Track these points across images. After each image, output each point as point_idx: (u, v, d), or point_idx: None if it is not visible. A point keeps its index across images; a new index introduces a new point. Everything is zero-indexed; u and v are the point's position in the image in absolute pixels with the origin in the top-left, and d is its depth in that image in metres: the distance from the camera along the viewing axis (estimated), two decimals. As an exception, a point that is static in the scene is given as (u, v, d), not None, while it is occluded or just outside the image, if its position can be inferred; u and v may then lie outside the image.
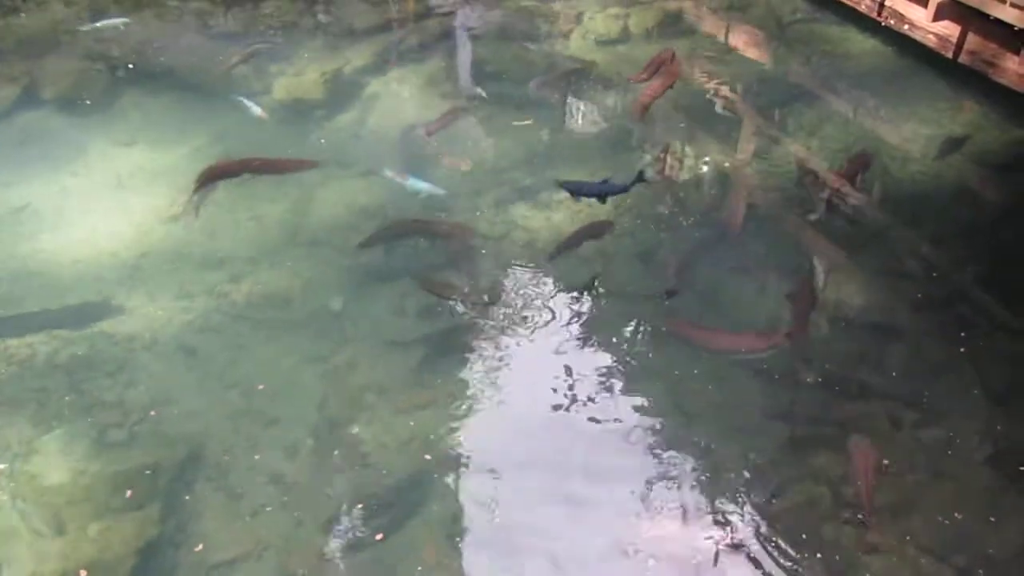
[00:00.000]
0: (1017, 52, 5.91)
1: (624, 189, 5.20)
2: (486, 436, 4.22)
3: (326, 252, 5.22)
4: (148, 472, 3.98)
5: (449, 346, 4.67)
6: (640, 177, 5.21)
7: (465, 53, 7.72)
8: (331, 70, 7.03)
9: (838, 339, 4.79)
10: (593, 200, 5.28)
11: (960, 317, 4.93)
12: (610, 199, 5.31)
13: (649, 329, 4.84)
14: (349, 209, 5.57)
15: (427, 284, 4.99)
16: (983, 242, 5.52)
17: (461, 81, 7.21)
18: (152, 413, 4.26)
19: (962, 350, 4.69)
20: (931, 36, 7.00)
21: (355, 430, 4.22)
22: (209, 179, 5.55)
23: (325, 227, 5.40)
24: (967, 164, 6.22)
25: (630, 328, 4.84)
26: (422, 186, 5.70)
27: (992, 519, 3.89)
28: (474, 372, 4.53)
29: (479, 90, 6.98)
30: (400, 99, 6.85)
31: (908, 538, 3.80)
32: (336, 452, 4.12)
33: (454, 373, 4.53)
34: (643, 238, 5.42)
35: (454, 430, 4.23)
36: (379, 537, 3.78)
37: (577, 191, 5.30)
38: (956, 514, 3.90)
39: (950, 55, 6.86)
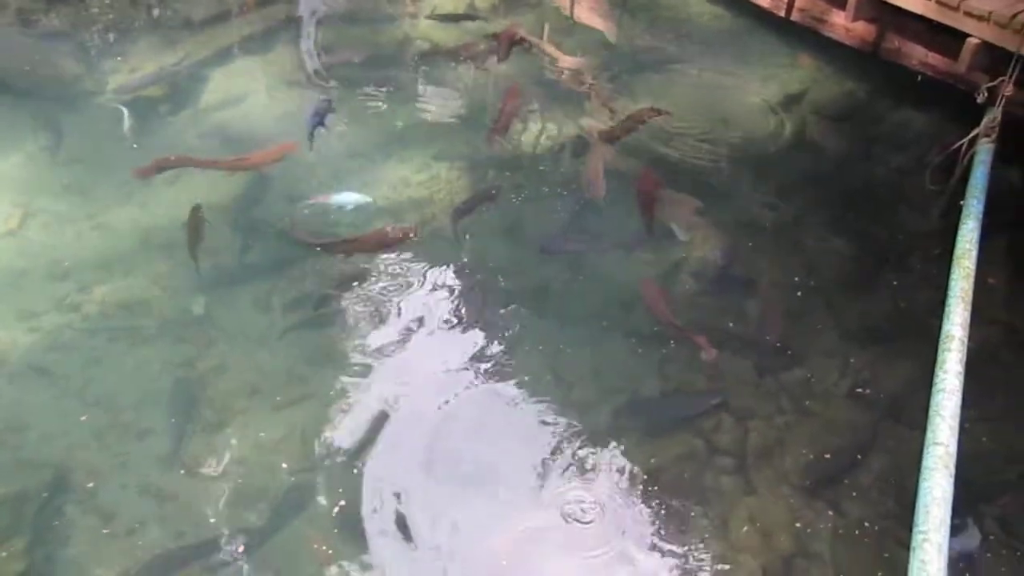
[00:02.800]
0: (843, 7, 6.22)
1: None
2: (366, 424, 4.16)
3: (183, 254, 5.01)
4: (9, 503, 3.75)
5: (319, 337, 4.58)
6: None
7: (311, 39, 7.52)
8: (170, 65, 6.73)
9: (700, 293, 4.95)
10: (460, 176, 5.32)
11: (811, 262, 5.17)
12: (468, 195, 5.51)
13: (523, 303, 4.87)
14: (203, 206, 5.36)
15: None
16: (827, 189, 5.79)
17: (308, 67, 7.02)
18: (8, 440, 4.02)
19: (815, 293, 4.93)
20: (765, -3, 7.30)
21: (230, 433, 4.09)
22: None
23: (180, 227, 5.19)
24: (807, 116, 6.51)
25: (502, 304, 4.85)
26: (349, 199, 5.52)
27: (857, 451, 4.12)
28: (347, 361, 4.46)
29: (329, 77, 6.83)
30: (247, 90, 6.62)
31: (781, 478, 3.99)
32: (212, 458, 3.99)
33: (327, 364, 4.44)
34: (507, 213, 5.45)
35: (332, 421, 4.16)
36: (264, 538, 3.69)
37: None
38: (823, 450, 4.12)
39: (783, 13, 7.16)
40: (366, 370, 4.42)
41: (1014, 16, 5.15)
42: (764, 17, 7.42)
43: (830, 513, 3.87)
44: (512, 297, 4.87)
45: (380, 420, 4.18)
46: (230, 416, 4.17)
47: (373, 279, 4.91)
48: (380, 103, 6.44)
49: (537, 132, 6.28)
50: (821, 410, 4.32)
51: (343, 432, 4.12)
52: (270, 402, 4.23)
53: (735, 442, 4.16)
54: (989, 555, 3.77)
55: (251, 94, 6.54)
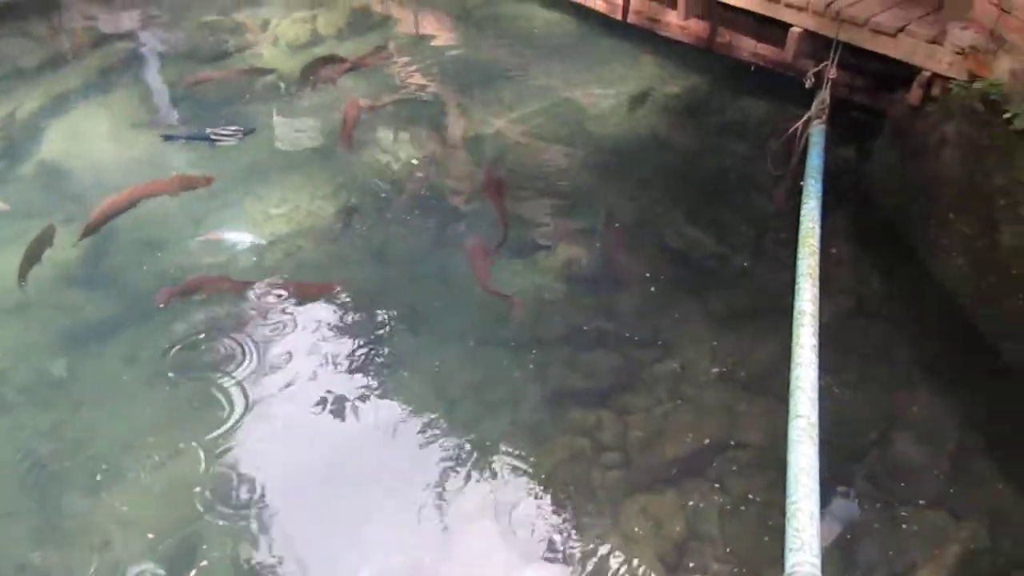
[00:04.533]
0: (674, 7, 6.49)
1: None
2: (252, 463, 4.08)
3: (37, 312, 4.79)
4: None
5: (192, 380, 4.46)
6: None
7: (153, 77, 7.32)
8: (2, 115, 6.43)
9: (569, 294, 5.07)
10: (321, 202, 5.29)
11: (676, 253, 5.37)
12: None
13: (397, 324, 4.87)
14: (52, 262, 5.14)
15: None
16: (680, 182, 6.02)
17: (153, 107, 6.83)
18: None
19: (682, 283, 5.13)
20: (600, 2, 7.53)
21: (109, 497, 3.94)
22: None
23: (32, 286, 4.95)
24: (655, 114, 6.76)
25: (376, 328, 4.85)
26: (240, 236, 5.38)
27: (730, 429, 4.31)
28: (223, 400, 4.36)
29: (175, 114, 6.67)
30: (90, 137, 6.39)
31: (666, 466, 4.14)
32: (93, 526, 3.83)
33: (202, 406, 4.33)
34: (375, 237, 5.44)
35: (216, 465, 4.06)
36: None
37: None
38: (703, 434, 4.29)
39: (620, 17, 7.41)
40: (245, 411, 4.33)
41: (829, 4, 5.49)
42: (603, 22, 7.66)
43: (715, 493, 4.03)
44: (386, 320, 4.87)
45: (265, 459, 4.11)
46: (107, 479, 4.01)
47: (244, 319, 4.82)
48: (232, 139, 6.32)
49: (392, 148, 6.30)
50: (696, 395, 4.49)
51: (227, 479, 4.02)
52: (147, 458, 4.10)
53: (618, 437, 4.28)
54: (862, 511, 4.01)
55: (94, 140, 6.31)
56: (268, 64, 7.35)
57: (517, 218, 5.63)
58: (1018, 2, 4.53)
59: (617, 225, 5.59)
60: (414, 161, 6.18)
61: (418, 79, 7.18)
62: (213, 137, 6.18)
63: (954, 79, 4.99)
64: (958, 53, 4.95)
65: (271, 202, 5.69)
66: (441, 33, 7.98)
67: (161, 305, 4.86)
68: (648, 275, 5.18)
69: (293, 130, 6.51)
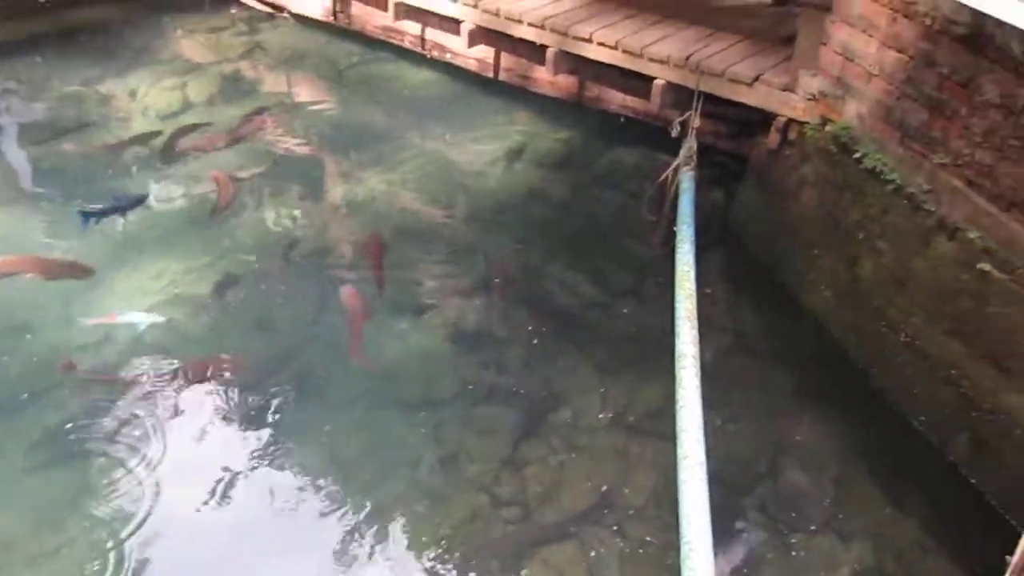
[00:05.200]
0: (543, 63, 6.70)
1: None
2: (141, 552, 3.90)
3: None
4: None
5: (72, 470, 4.25)
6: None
7: (13, 154, 7.04)
8: None
9: (461, 352, 5.09)
10: (199, 273, 5.19)
11: (559, 303, 5.48)
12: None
13: (285, 395, 4.78)
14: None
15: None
16: (560, 234, 6.16)
17: (13, 186, 6.56)
18: None
19: (568, 332, 5.23)
20: (471, 61, 7.70)
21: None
22: None
23: None
24: (531, 168, 6.91)
25: (267, 399, 4.74)
26: (137, 318, 5.14)
27: (625, 473, 4.38)
28: (108, 493, 4.16)
29: (39, 191, 6.42)
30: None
31: (566, 516, 4.17)
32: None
33: (81, 497, 4.12)
34: (256, 306, 5.35)
35: (101, 563, 3.86)
36: None
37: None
38: (599, 480, 4.35)
39: (492, 75, 7.60)
40: (130, 498, 4.14)
41: (688, 57, 5.77)
42: (476, 80, 7.82)
43: (615, 539, 4.08)
44: (274, 391, 4.77)
45: (153, 547, 3.94)
46: (-21, 583, 3.78)
47: (123, 400, 4.64)
48: (101, 215, 6.13)
49: (270, 214, 6.23)
50: (589, 443, 4.55)
51: (117, 569, 3.84)
52: (24, 556, 3.87)
53: (516, 491, 4.29)
54: (756, 543, 4.13)
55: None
56: (136, 135, 7.17)
57: (402, 278, 5.64)
58: (860, 51, 4.87)
59: (501, 279, 5.66)
60: (293, 226, 6.12)
61: (293, 143, 7.14)
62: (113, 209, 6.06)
63: (808, 123, 5.30)
64: (809, 99, 5.28)
65: (147, 277, 5.52)
66: (315, 97, 7.99)
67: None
68: (534, 327, 5.26)
69: (166, 202, 6.35)
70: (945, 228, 4.32)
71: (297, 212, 6.26)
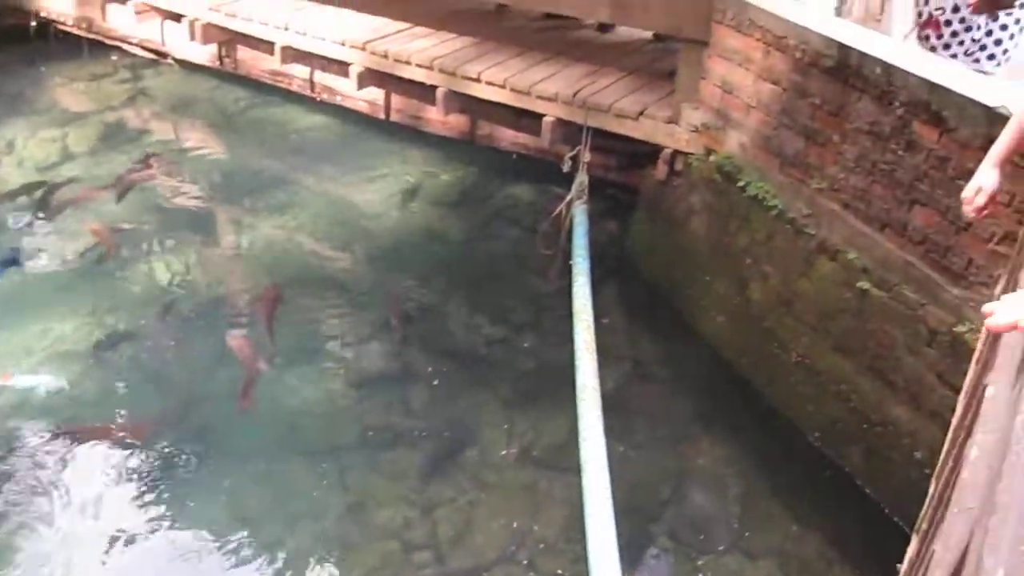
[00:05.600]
0: (434, 103, 6.74)
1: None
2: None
3: None
4: None
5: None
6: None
7: None
8: None
9: (364, 397, 5.02)
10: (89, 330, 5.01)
11: (461, 340, 5.47)
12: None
13: (186, 449, 4.62)
14: None
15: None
16: (460, 272, 6.16)
17: None
18: None
19: (471, 369, 5.22)
20: (362, 103, 7.69)
21: None
22: None
23: None
24: (427, 208, 6.92)
25: (167, 457, 4.57)
26: (35, 381, 4.86)
27: (534, 509, 4.38)
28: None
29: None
30: None
31: (478, 556, 4.14)
32: None
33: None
34: (150, 362, 5.18)
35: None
36: None
37: None
38: (509, 517, 4.33)
39: (383, 116, 7.60)
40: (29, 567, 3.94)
41: (576, 94, 5.90)
42: (367, 122, 7.81)
43: (528, 574, 4.07)
44: (172, 449, 4.61)
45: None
46: None
47: (8, 466, 4.41)
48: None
49: (160, 265, 6.06)
50: (497, 481, 4.54)
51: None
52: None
53: (427, 534, 4.24)
54: (667, 569, 4.18)
55: None
56: (13, 188, 6.88)
57: (301, 324, 5.55)
58: (737, 84, 5.06)
59: (401, 320, 5.63)
60: (183, 277, 5.96)
61: (182, 192, 6.97)
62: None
63: (693, 154, 5.47)
64: (693, 131, 5.45)
65: (31, 336, 5.28)
66: (203, 143, 7.83)
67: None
68: (437, 366, 5.23)
69: (46, 257, 6.11)
70: (826, 250, 4.51)
71: (187, 262, 6.11)
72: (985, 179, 1.89)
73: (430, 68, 6.52)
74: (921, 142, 3.94)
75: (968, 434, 1.07)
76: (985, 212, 1.93)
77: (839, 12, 5.14)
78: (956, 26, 4.51)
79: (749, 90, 4.95)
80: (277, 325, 5.48)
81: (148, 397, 4.94)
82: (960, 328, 3.83)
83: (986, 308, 1.12)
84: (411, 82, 6.81)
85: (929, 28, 4.62)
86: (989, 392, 0.97)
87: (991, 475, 1.02)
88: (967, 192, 1.93)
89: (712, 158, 5.29)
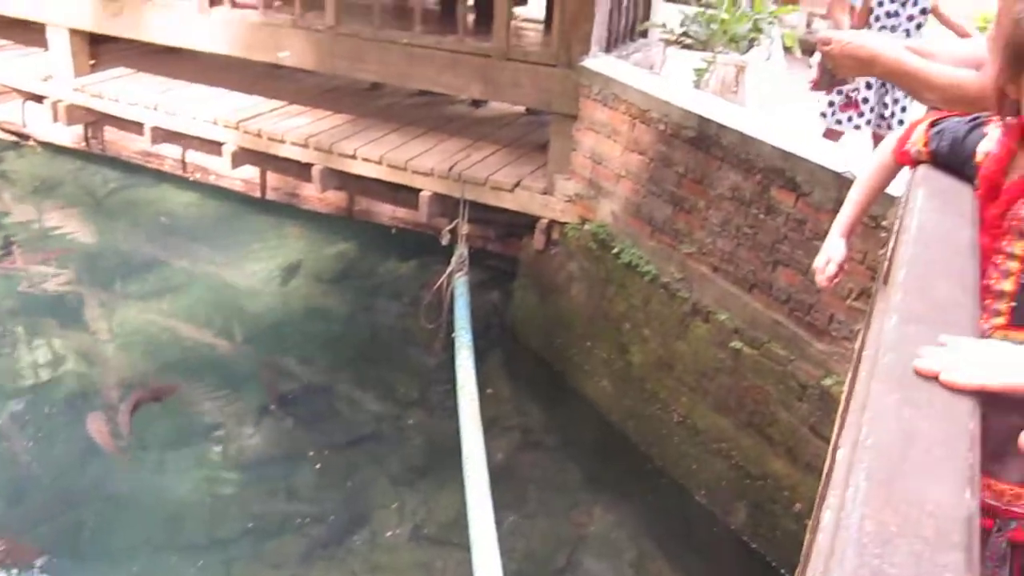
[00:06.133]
0: (310, 180, 6.71)
1: None
2: None
3: None
4: None
5: None
6: None
7: None
8: None
9: (248, 483, 4.85)
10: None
11: (347, 419, 5.38)
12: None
13: (56, 551, 4.34)
14: None
15: None
16: (344, 350, 6.09)
17: None
18: None
19: (358, 449, 5.12)
20: (237, 182, 7.59)
21: None
22: None
23: None
24: (308, 285, 6.83)
25: (38, 561, 4.29)
26: None
27: (429, 589, 4.31)
28: None
29: None
30: None
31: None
32: None
33: None
34: (18, 459, 4.88)
35: None
36: None
37: None
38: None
39: (259, 195, 7.52)
40: None
41: (451, 168, 5.98)
42: (243, 200, 7.70)
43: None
44: (45, 550, 4.33)
45: None
46: None
47: None
48: None
49: (27, 357, 5.77)
50: (390, 561, 4.44)
51: None
52: None
53: (318, 625, 4.11)
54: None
55: None
56: None
57: (180, 411, 5.35)
58: (606, 155, 5.24)
59: (285, 401, 5.50)
60: (54, 369, 5.68)
61: (49, 279, 6.68)
62: None
63: (568, 223, 5.61)
64: (567, 201, 5.59)
65: None
66: (71, 227, 7.55)
67: None
68: (323, 447, 5.12)
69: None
70: (699, 312, 4.67)
71: (54, 354, 5.83)
72: (833, 250, 2.01)
73: (305, 146, 6.51)
74: (779, 206, 4.16)
75: (823, 498, 1.12)
76: (836, 280, 2.04)
77: (697, 85, 5.41)
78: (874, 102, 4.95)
79: (618, 161, 5.14)
80: (154, 414, 5.27)
81: (13, 499, 4.64)
82: (827, 381, 4.02)
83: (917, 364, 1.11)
84: (287, 160, 6.78)
85: (850, 109, 4.99)
86: (839, 455, 1.02)
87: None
88: (817, 263, 2.04)
89: (587, 227, 5.44)
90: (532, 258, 5.98)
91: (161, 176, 8.12)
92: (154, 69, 7.79)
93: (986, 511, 1.45)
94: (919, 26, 5.08)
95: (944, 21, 5.15)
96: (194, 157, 7.77)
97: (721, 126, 4.39)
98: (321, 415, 5.41)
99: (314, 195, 7.16)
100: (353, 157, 6.31)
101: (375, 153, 6.22)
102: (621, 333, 5.21)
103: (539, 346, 5.93)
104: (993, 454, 1.51)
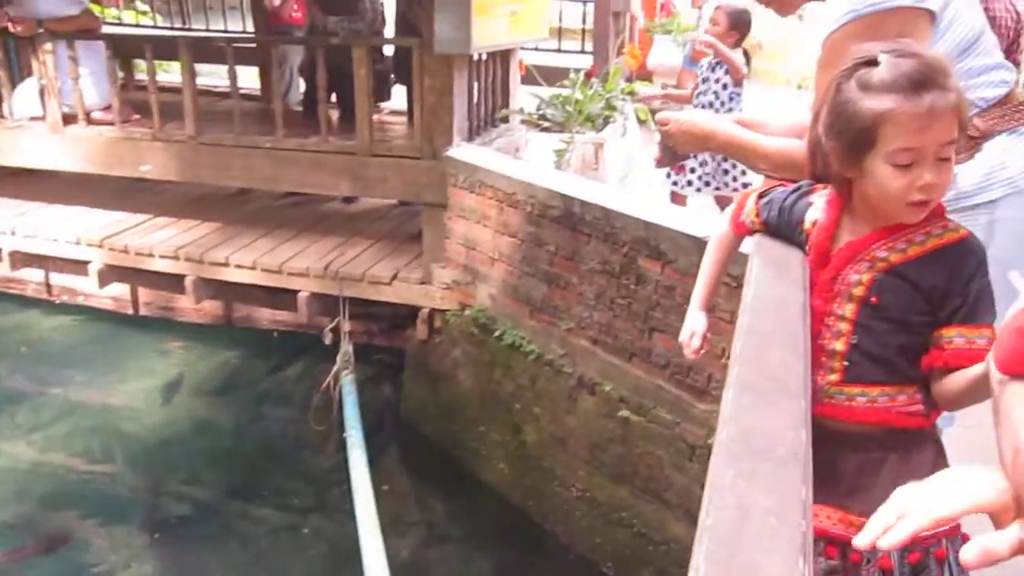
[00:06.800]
0: (183, 292, 6.54)
1: None
2: None
3: None
4: None
5: None
6: None
7: None
8: None
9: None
10: None
11: (246, 534, 5.18)
12: None
13: None
14: None
15: None
16: (235, 463, 5.88)
17: None
18: None
19: (259, 563, 4.93)
20: (107, 300, 7.34)
21: None
22: None
23: None
24: (192, 399, 6.61)
25: None
26: None
27: None
28: None
29: None
30: None
31: None
32: None
33: None
34: None
35: None
36: None
37: None
38: None
39: (131, 312, 7.29)
40: None
41: (327, 267, 5.95)
42: (116, 319, 7.44)
43: None
44: None
45: None
46: None
47: None
48: None
49: None
50: None
51: None
52: None
53: None
54: None
55: None
56: None
57: (61, 552, 5.05)
58: (479, 240, 5.33)
59: (176, 524, 5.27)
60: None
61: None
62: None
63: (449, 311, 5.64)
64: (445, 288, 5.63)
65: None
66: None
67: None
68: (217, 570, 4.91)
69: None
70: (585, 385, 4.73)
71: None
72: (695, 324, 2.10)
73: (176, 258, 6.37)
74: (648, 275, 4.30)
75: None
76: (703, 351, 2.13)
77: (559, 165, 5.59)
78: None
79: (490, 244, 5.22)
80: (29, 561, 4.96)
81: None
82: (712, 440, 4.10)
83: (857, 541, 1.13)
84: (157, 274, 6.61)
85: (680, 172, 5.39)
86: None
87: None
88: (683, 338, 2.12)
89: (467, 312, 5.48)
90: (417, 348, 5.97)
91: (25, 301, 7.78)
92: (8, 192, 7.53)
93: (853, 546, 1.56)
94: (726, 88, 5.54)
95: (719, 53, 5.58)
96: (59, 279, 7.49)
97: (584, 203, 4.53)
98: (214, 536, 5.20)
99: (189, 307, 6.98)
100: (226, 265, 6.21)
101: (248, 259, 6.14)
102: (512, 414, 5.22)
103: (434, 435, 5.88)
104: (848, 491, 1.62)
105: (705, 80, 5.64)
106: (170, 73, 9.68)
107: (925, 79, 1.43)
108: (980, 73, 2.05)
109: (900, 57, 1.46)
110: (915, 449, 1.63)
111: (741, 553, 0.92)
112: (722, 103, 5.56)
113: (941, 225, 1.56)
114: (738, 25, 5.59)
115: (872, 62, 1.48)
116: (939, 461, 1.65)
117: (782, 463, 1.09)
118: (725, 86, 5.58)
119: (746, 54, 5.70)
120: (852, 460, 1.64)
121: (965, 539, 1.58)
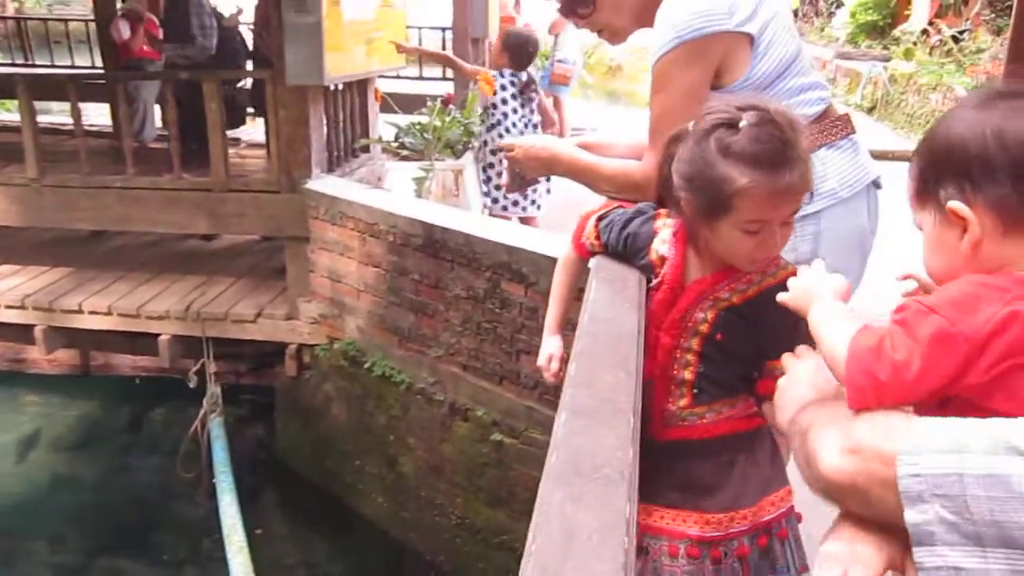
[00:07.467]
0: (33, 343, 6.20)
1: None
2: None
3: None
4: None
5: None
6: None
7: None
8: None
9: None
10: None
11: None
12: None
13: None
14: None
15: None
16: (100, 520, 5.62)
17: None
18: None
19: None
20: (-50, 357, 6.91)
21: None
22: None
23: None
24: (51, 454, 6.29)
25: None
26: None
27: None
28: None
29: None
30: None
31: None
32: None
33: None
34: None
35: None
36: None
37: None
38: None
39: (-22, 367, 6.88)
40: None
41: (188, 308, 5.76)
42: (-39, 376, 7.01)
43: None
44: None
45: None
46: None
47: None
48: None
49: None
50: None
51: None
52: None
53: None
54: None
55: None
56: None
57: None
58: (343, 271, 5.27)
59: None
60: None
61: None
62: None
63: (317, 345, 5.55)
64: (312, 323, 5.55)
65: None
66: None
67: None
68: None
69: None
70: (458, 411, 4.74)
71: None
72: (551, 348, 2.12)
73: (23, 307, 6.03)
74: (512, 299, 4.34)
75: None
76: (562, 374, 2.15)
77: (419, 193, 5.59)
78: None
79: (355, 276, 5.18)
80: None
81: None
82: (584, 457, 4.17)
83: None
84: (3, 324, 6.24)
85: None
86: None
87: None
88: (541, 362, 2.13)
89: (336, 345, 5.40)
90: (288, 385, 5.84)
91: None
92: None
93: (714, 543, 1.66)
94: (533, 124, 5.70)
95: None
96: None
97: (445, 230, 4.55)
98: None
99: (41, 357, 6.62)
100: (79, 311, 5.92)
101: (103, 304, 5.88)
102: (388, 445, 5.17)
103: (309, 473, 5.76)
104: (703, 493, 1.71)
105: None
106: (13, 112, 9.23)
107: (784, 158, 1.47)
108: (799, 92, 2.16)
109: (759, 126, 1.48)
110: (757, 447, 1.74)
111: (564, 574, 0.94)
112: (512, 121, 5.68)
113: (775, 264, 1.65)
114: (508, 47, 5.73)
115: (732, 124, 1.49)
116: (775, 452, 1.77)
117: (608, 483, 1.12)
118: (505, 100, 5.67)
119: (529, 77, 5.80)
120: (706, 466, 1.73)
121: (799, 518, 1.74)
